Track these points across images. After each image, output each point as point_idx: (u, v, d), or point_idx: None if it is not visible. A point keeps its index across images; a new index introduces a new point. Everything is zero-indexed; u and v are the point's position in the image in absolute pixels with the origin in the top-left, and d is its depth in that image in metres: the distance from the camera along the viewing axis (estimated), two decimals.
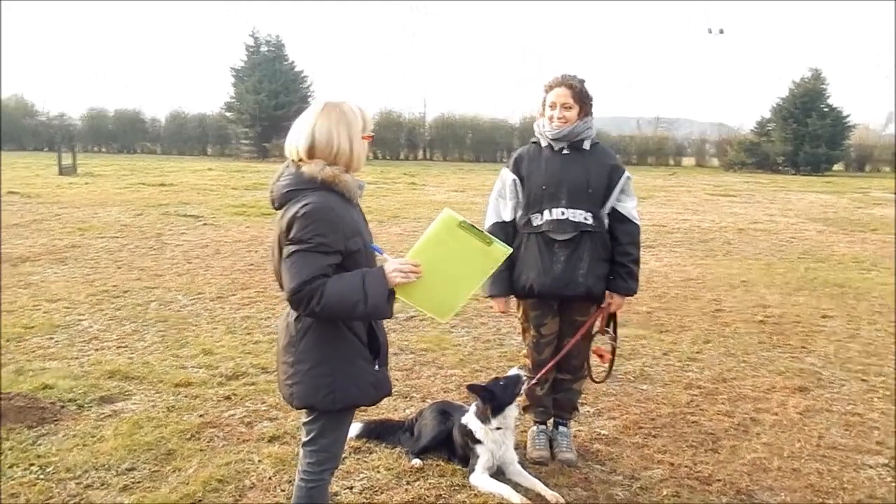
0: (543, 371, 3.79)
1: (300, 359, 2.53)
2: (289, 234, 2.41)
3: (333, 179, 2.46)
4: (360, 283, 2.42)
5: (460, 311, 6.73)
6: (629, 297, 3.80)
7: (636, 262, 3.71)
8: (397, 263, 2.52)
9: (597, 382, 4.13)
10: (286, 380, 2.59)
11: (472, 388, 3.58)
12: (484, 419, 3.54)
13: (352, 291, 2.40)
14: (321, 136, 2.48)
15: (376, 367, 2.62)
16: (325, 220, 2.38)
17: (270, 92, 34.30)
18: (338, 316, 2.46)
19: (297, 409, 2.69)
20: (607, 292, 3.72)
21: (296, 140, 2.52)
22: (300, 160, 2.51)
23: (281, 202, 2.51)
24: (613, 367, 4.02)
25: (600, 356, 3.89)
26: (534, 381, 3.81)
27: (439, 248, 2.57)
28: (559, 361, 3.85)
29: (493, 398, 3.51)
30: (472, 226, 2.60)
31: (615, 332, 3.94)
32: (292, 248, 2.39)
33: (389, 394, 2.75)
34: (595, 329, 3.88)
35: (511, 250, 2.69)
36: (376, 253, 2.67)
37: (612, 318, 3.87)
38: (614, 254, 3.69)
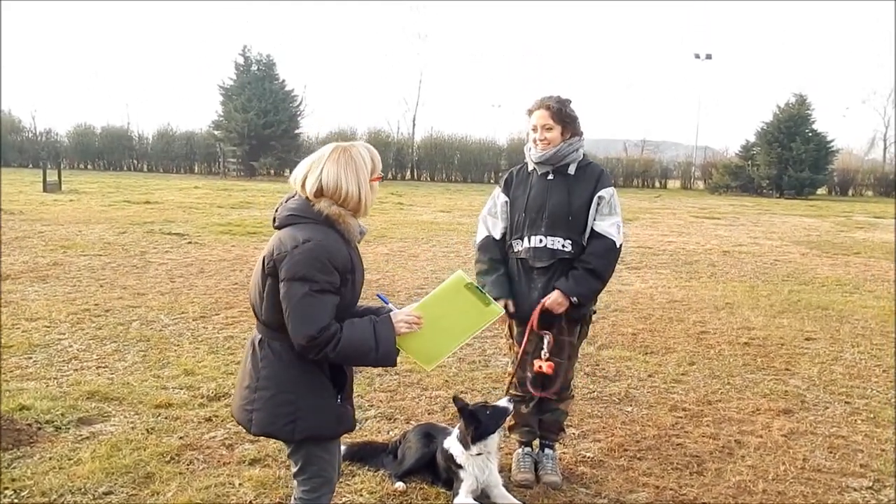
0: (555, 388, 3.71)
1: (263, 385, 2.51)
2: (280, 262, 2.39)
3: (338, 218, 2.47)
4: (371, 331, 2.46)
5: None
6: (583, 306, 3.67)
7: (593, 271, 3.59)
8: (404, 315, 2.59)
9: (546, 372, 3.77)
10: (245, 405, 2.56)
11: (459, 406, 3.50)
12: (465, 444, 3.50)
13: (365, 340, 2.44)
14: (329, 180, 2.48)
15: (339, 400, 2.59)
16: (325, 257, 2.38)
17: (259, 110, 34.36)
18: (348, 362, 2.52)
19: (255, 435, 2.68)
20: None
21: (302, 179, 2.51)
22: (306, 199, 2.51)
23: (281, 224, 2.52)
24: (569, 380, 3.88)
25: (540, 369, 3.66)
26: (538, 397, 3.79)
27: (443, 304, 2.72)
28: (543, 381, 3.83)
29: (478, 425, 3.47)
30: (478, 288, 2.78)
31: (578, 338, 3.80)
32: (303, 288, 2.35)
33: (352, 429, 2.74)
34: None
35: (503, 312, 2.86)
36: (382, 302, 2.73)
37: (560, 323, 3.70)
38: (575, 261, 3.63)
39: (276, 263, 2.41)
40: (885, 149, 52.76)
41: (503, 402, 3.57)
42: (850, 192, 39.60)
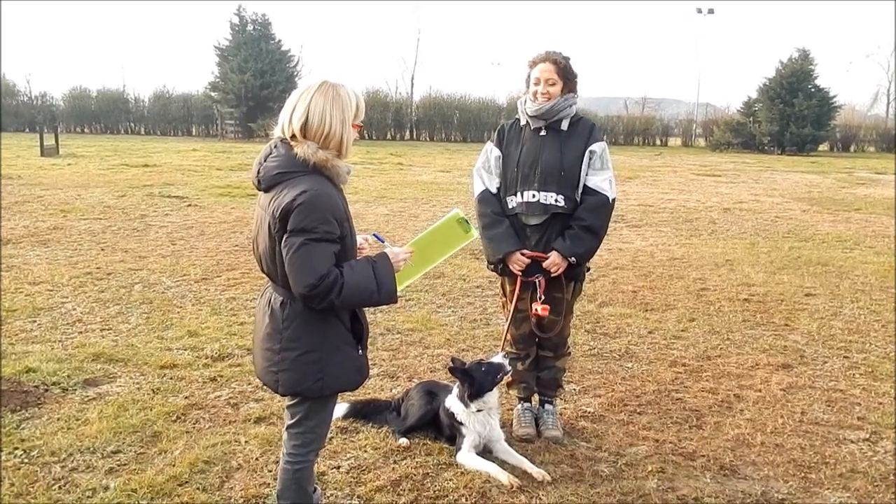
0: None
1: (287, 346, 2.52)
2: (285, 222, 2.36)
3: (325, 164, 2.43)
4: (371, 272, 2.47)
5: (447, 291, 6.75)
6: (580, 265, 3.70)
7: (588, 229, 3.61)
8: (404, 253, 2.64)
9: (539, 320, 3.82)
10: (270, 367, 2.57)
11: (453, 371, 3.56)
12: (464, 402, 3.55)
13: (367, 282, 2.45)
14: (314, 114, 2.43)
15: (359, 351, 2.62)
16: (325, 208, 2.36)
17: (256, 71, 33.98)
18: (353, 306, 2.54)
19: (283, 395, 2.68)
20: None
21: (289, 116, 2.47)
22: (292, 137, 2.46)
23: (269, 184, 2.46)
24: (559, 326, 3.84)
25: (536, 314, 3.75)
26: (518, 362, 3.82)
27: (436, 239, 2.84)
28: (540, 339, 3.86)
29: (473, 383, 3.51)
30: (467, 221, 2.89)
31: (573, 296, 3.83)
32: (299, 238, 2.34)
33: (368, 377, 2.77)
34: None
35: (477, 237, 3.00)
36: (378, 241, 2.75)
37: (556, 281, 3.71)
38: (570, 219, 3.65)
39: (282, 223, 2.37)
40: (888, 104, 52.23)
41: (498, 358, 3.60)
42: (851, 149, 39.38)
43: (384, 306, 5.76)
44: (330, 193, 2.41)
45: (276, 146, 2.50)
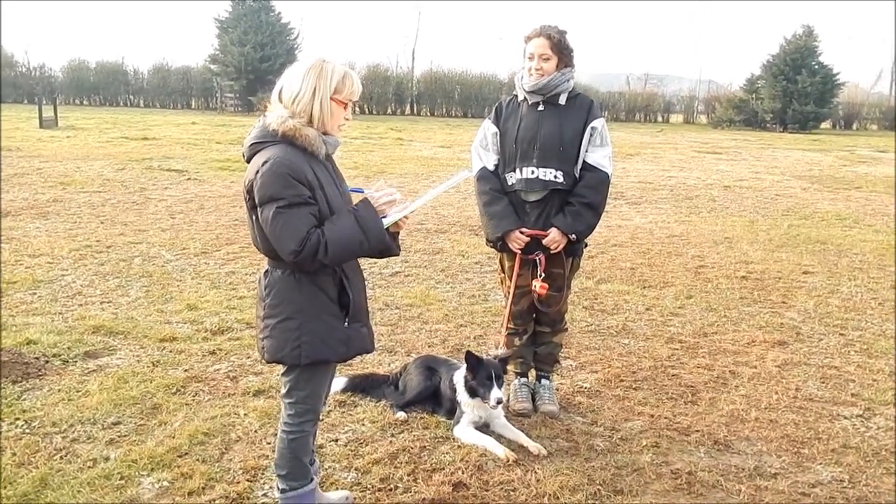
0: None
1: (269, 314, 2.57)
2: (251, 193, 2.42)
3: (294, 133, 2.45)
4: (354, 223, 2.47)
5: (445, 266, 6.76)
6: (580, 241, 3.73)
7: (589, 205, 3.62)
8: (383, 194, 2.58)
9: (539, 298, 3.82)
10: (259, 333, 2.65)
11: (468, 357, 3.52)
12: (465, 384, 3.57)
13: (351, 233, 2.45)
14: (287, 80, 2.51)
15: (346, 323, 2.61)
16: (286, 173, 2.38)
17: (256, 44, 33.59)
18: (345, 259, 2.53)
19: (268, 362, 2.73)
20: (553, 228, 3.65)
21: (279, 85, 2.55)
22: (271, 103, 2.53)
23: (248, 155, 2.55)
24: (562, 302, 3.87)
25: (535, 291, 3.76)
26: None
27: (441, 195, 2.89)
28: (538, 314, 3.88)
29: (474, 377, 3.50)
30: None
31: (571, 271, 3.84)
32: (271, 209, 2.38)
33: (368, 350, 2.76)
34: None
35: (469, 174, 2.97)
36: (357, 193, 2.71)
37: (556, 259, 3.72)
38: (570, 196, 3.65)
39: (249, 194, 2.45)
40: (891, 82, 51.80)
41: (496, 392, 3.45)
42: (854, 126, 39.13)
43: (378, 279, 5.77)
44: (292, 160, 2.41)
45: (259, 120, 2.57)
